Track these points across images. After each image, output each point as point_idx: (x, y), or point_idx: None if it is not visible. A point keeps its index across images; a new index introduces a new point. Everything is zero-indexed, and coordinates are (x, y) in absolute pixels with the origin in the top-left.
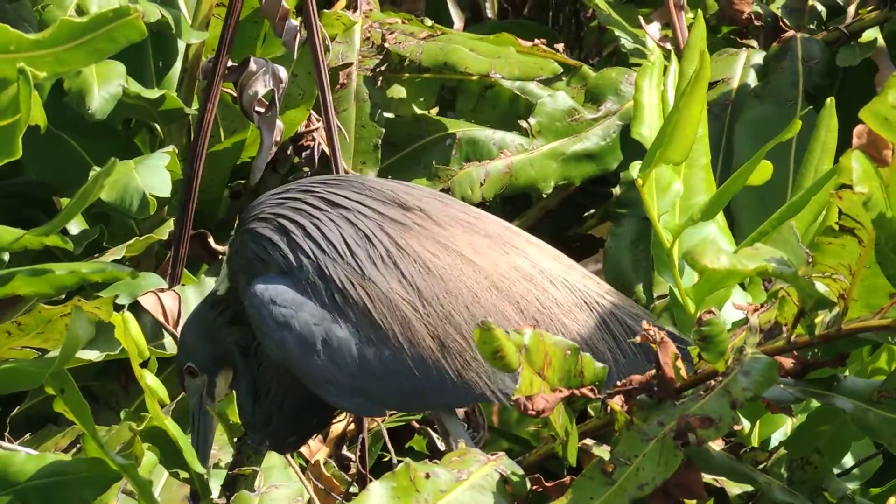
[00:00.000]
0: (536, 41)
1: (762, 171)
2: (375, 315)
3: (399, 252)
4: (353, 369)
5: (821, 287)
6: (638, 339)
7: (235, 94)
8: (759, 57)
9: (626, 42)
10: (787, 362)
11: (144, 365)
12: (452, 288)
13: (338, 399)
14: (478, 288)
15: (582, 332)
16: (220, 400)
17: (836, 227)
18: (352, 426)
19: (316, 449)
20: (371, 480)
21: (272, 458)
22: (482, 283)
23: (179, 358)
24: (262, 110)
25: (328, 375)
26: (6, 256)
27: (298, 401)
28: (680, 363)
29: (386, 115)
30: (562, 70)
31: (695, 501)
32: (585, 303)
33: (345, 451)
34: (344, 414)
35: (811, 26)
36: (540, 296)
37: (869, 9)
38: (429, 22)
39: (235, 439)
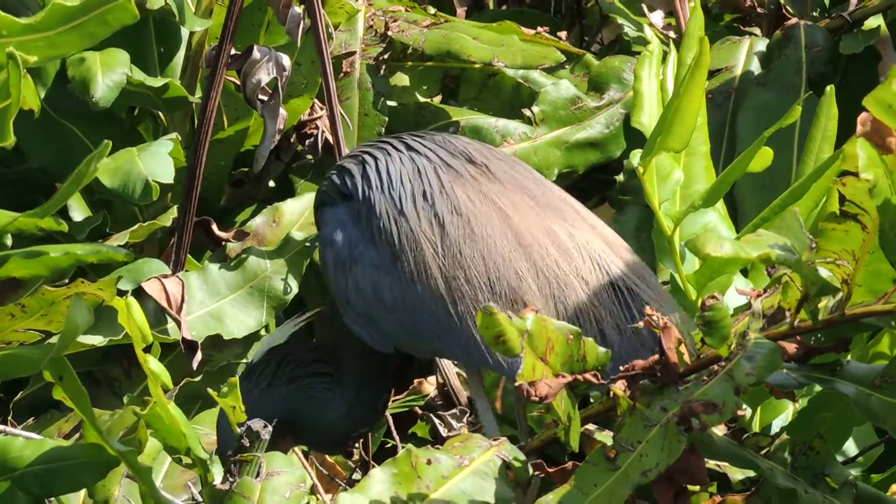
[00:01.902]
0: (539, 29)
1: (763, 158)
2: (398, 248)
3: (440, 194)
4: (369, 296)
5: (824, 272)
6: (641, 324)
7: (239, 83)
8: (761, 45)
9: (629, 30)
10: (791, 347)
11: (148, 350)
12: (476, 234)
13: (353, 323)
14: (500, 240)
15: (590, 301)
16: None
17: (840, 213)
18: None
19: None
20: (374, 466)
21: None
22: (507, 237)
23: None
24: (266, 98)
25: (350, 297)
26: (9, 241)
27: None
28: (683, 348)
29: (389, 103)
30: (565, 58)
31: (698, 487)
32: (611, 283)
33: None
34: None
35: (814, 14)
36: (560, 261)
37: None
38: (432, 10)
39: (238, 425)
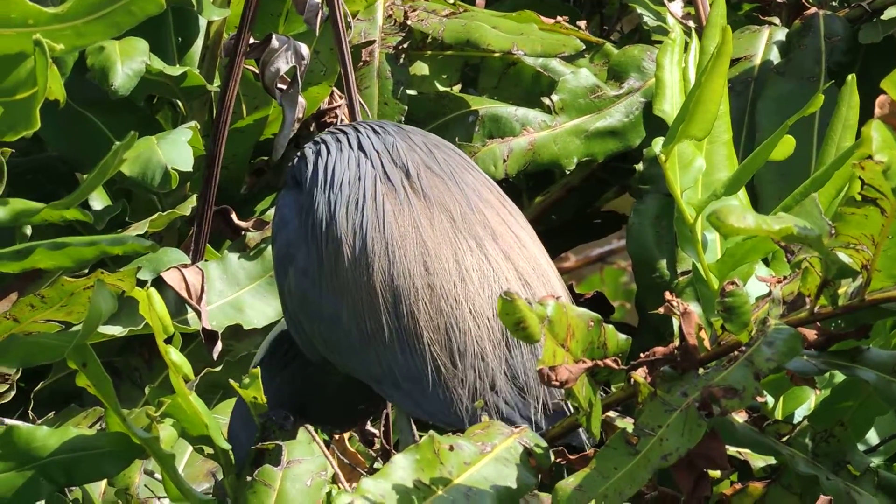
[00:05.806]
0: (559, 18)
1: (785, 146)
2: (324, 255)
3: (371, 207)
4: (297, 301)
5: (844, 257)
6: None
7: (258, 71)
8: (781, 34)
9: (649, 19)
10: (811, 333)
11: (168, 341)
12: (390, 254)
13: (289, 325)
14: (411, 264)
15: (476, 335)
16: None
17: (859, 198)
18: None
19: None
20: (395, 454)
21: (296, 434)
22: (417, 261)
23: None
24: (285, 87)
25: (284, 299)
26: (28, 231)
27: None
28: (703, 334)
29: (408, 92)
30: (584, 47)
31: (719, 473)
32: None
33: (369, 426)
34: None
35: (833, 3)
36: (459, 291)
37: None
38: None
39: (259, 415)
